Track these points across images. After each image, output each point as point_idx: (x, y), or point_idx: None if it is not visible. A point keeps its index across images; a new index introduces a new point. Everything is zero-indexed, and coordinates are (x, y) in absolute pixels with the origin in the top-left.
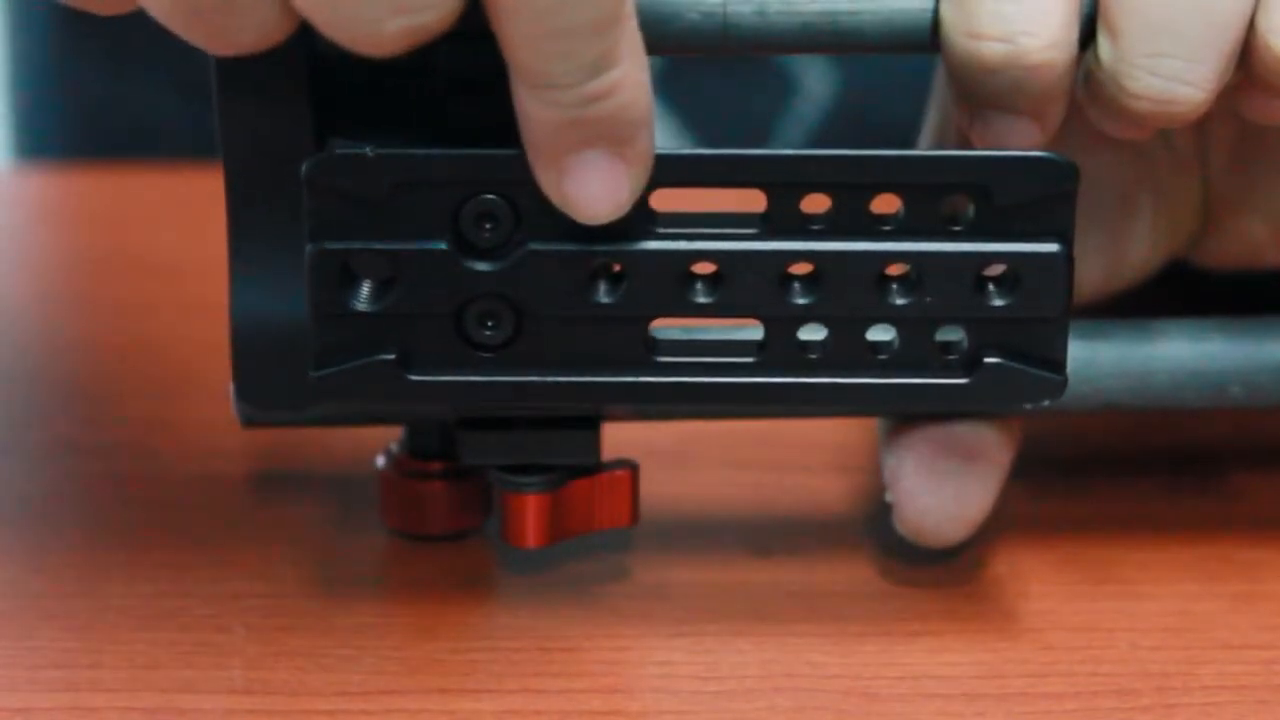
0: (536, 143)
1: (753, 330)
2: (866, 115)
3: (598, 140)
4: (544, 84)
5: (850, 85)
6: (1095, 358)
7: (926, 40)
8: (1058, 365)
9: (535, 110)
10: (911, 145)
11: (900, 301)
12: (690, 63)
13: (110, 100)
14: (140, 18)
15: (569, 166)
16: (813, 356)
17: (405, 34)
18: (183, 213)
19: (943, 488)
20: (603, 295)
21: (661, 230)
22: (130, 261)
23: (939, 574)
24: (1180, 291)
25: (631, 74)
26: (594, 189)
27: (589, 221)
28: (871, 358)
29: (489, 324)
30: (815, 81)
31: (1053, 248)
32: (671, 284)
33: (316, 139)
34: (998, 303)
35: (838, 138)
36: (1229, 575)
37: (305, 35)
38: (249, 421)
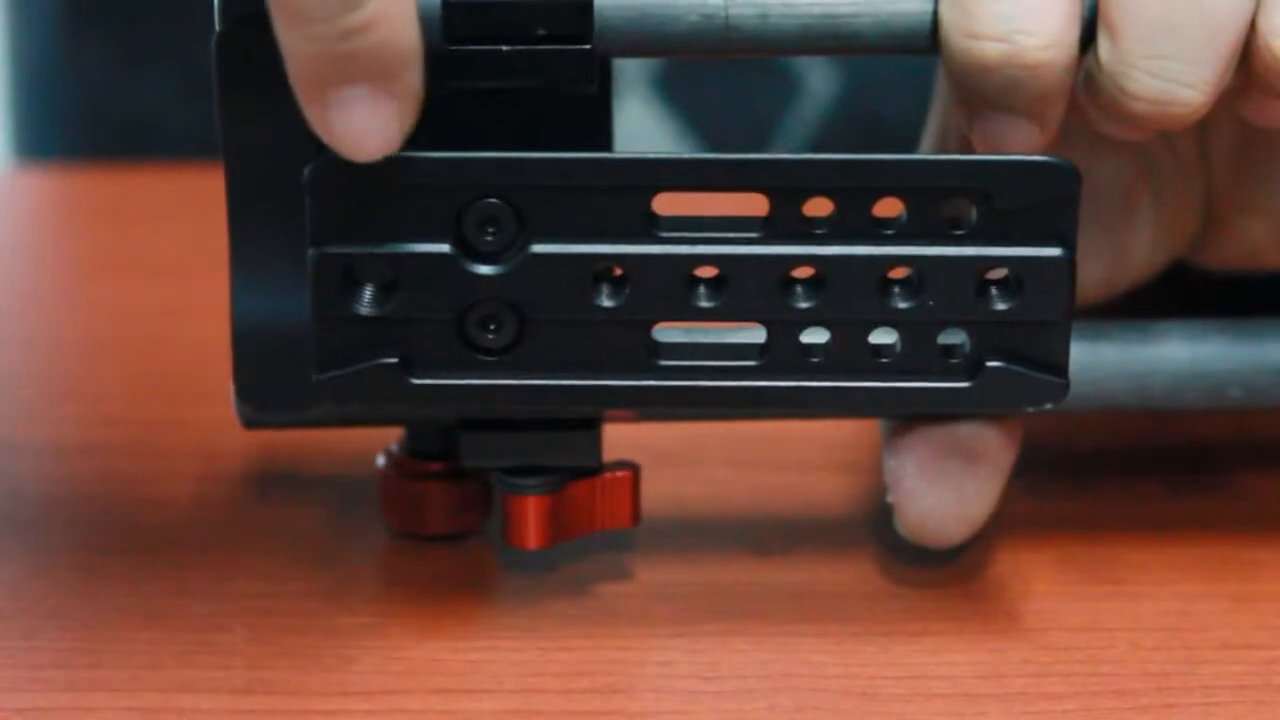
0: (298, 78)
1: (755, 334)
2: (869, 115)
3: (360, 75)
4: (299, 18)
5: (853, 85)
6: (1096, 359)
7: (926, 41)
8: (1060, 369)
9: (293, 44)
10: (914, 146)
11: (902, 305)
12: (692, 63)
13: (112, 99)
14: (143, 16)
15: (332, 102)
16: (815, 360)
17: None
18: (183, 212)
19: (944, 489)
20: (605, 299)
21: (664, 234)
22: (130, 261)
23: (939, 574)
24: (1180, 293)
25: (392, 7)
26: (359, 125)
27: (359, 158)
28: (874, 361)
29: (491, 327)
30: (818, 81)
31: (1055, 252)
32: (674, 288)
33: (318, 142)
34: (1000, 306)
35: (840, 138)
36: (1229, 575)
37: None
38: (250, 423)
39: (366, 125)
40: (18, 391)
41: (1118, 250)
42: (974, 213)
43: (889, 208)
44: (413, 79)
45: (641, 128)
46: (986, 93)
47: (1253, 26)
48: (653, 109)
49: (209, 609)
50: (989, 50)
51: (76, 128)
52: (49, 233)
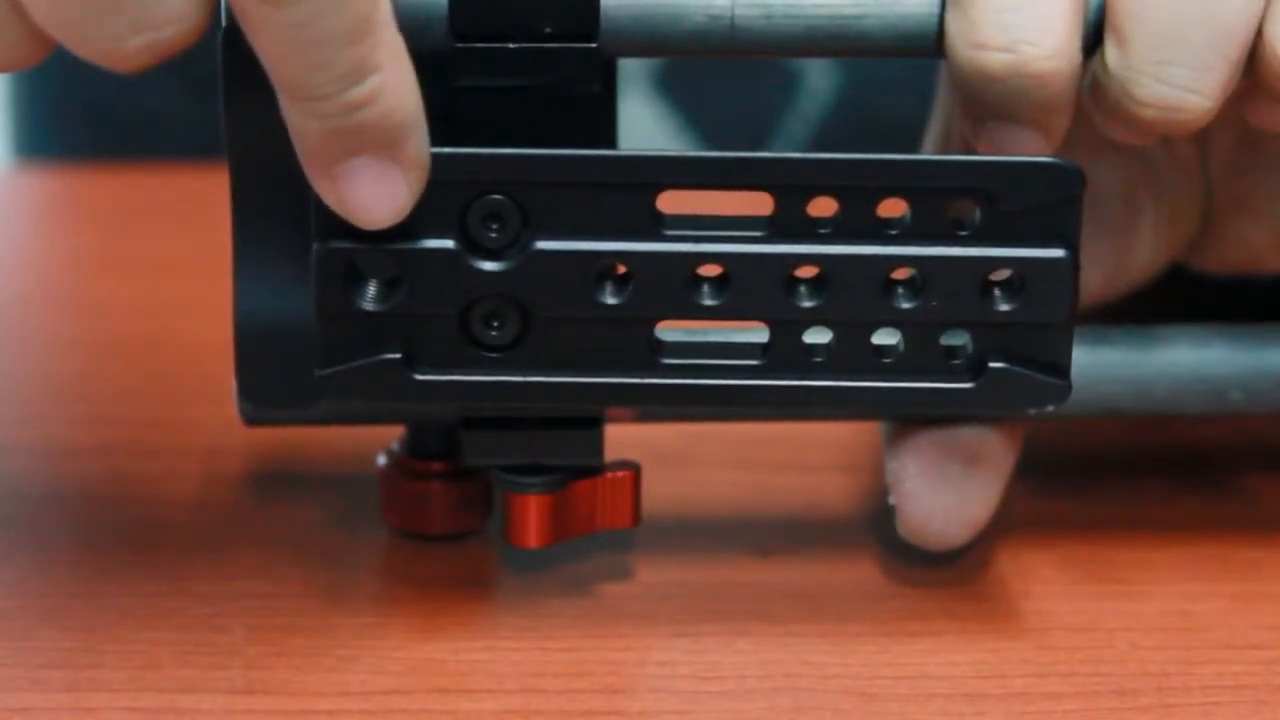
0: (307, 154)
1: (758, 333)
2: (869, 112)
3: (366, 147)
4: (304, 96)
5: (853, 82)
6: (1098, 363)
7: (931, 46)
8: (1062, 370)
9: (300, 122)
10: (913, 143)
11: (906, 305)
12: (692, 60)
13: (113, 99)
14: None
15: (342, 175)
16: (818, 360)
17: (147, 50)
18: (183, 212)
19: (945, 491)
20: (608, 296)
21: (668, 232)
22: (130, 261)
23: (939, 574)
24: (1182, 298)
25: (393, 79)
26: (370, 195)
27: (372, 227)
28: (876, 361)
29: (494, 324)
30: (818, 78)
31: (1059, 253)
32: (677, 286)
33: None
34: (1003, 307)
35: (841, 134)
36: (1229, 575)
37: None
38: (252, 420)
39: (376, 195)
40: (16, 391)
41: (1119, 253)
42: (978, 213)
43: (893, 208)
44: (417, 145)
45: (641, 124)
46: (991, 102)
47: (1259, 33)
48: (653, 105)
49: (209, 609)
50: (994, 60)
51: (76, 128)
52: (49, 233)
